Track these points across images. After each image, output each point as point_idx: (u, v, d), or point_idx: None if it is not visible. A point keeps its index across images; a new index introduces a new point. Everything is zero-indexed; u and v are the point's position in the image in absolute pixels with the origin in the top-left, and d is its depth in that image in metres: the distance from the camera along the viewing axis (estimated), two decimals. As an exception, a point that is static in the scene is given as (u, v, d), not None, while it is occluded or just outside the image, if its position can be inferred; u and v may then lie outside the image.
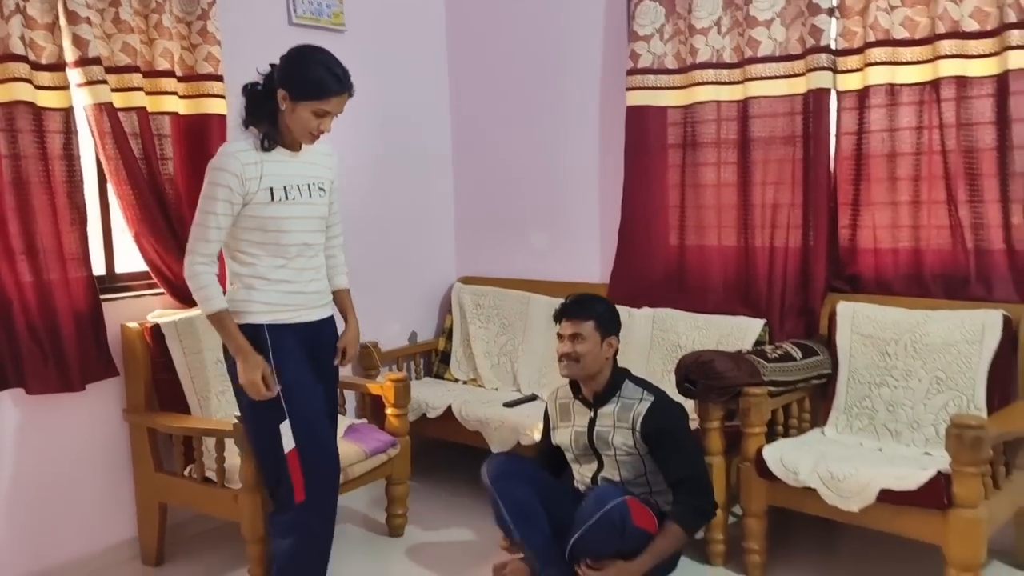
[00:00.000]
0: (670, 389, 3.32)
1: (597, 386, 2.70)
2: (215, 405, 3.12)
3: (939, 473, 2.39)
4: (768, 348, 3.05)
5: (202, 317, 3.11)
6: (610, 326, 2.68)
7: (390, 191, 4.13)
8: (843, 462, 2.60)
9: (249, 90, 2.39)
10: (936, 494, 2.37)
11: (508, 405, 3.54)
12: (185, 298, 3.22)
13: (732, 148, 3.45)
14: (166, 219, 3.11)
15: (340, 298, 2.78)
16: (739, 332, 3.34)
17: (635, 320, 3.64)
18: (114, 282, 3.22)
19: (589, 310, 2.66)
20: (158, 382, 3.06)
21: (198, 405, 3.08)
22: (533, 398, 3.65)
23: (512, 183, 4.23)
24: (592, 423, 2.69)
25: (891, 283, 3.10)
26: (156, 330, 3.05)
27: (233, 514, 2.75)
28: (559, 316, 2.71)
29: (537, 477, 2.74)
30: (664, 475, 2.62)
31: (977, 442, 2.28)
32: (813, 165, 3.23)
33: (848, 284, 3.22)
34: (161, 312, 3.17)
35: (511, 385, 3.91)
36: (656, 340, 3.56)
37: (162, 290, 3.22)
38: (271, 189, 2.37)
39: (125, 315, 3.11)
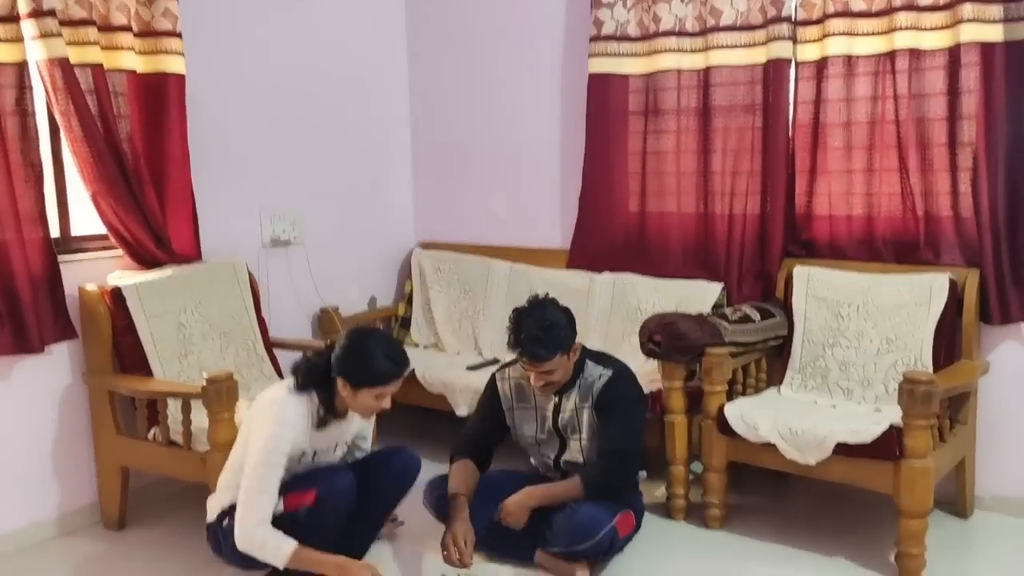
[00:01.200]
0: (630, 352, 3.42)
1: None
2: (177, 368, 3.08)
3: (891, 427, 2.52)
4: (728, 311, 3.14)
5: (164, 279, 3.12)
6: (571, 338, 2.57)
7: (348, 156, 4.09)
8: (800, 418, 2.71)
9: (308, 367, 2.40)
10: (889, 446, 2.50)
11: (472, 368, 3.58)
12: (145, 260, 3.16)
13: (693, 116, 3.52)
14: (124, 178, 3.03)
15: None
16: (698, 295, 3.43)
17: (596, 285, 3.70)
18: (70, 244, 3.14)
19: (551, 347, 2.51)
20: (119, 345, 3.00)
21: (161, 369, 3.04)
22: (495, 362, 3.69)
23: (472, 149, 4.23)
24: (557, 409, 2.70)
25: (845, 248, 3.23)
26: (116, 293, 2.99)
27: (200, 476, 2.73)
28: (521, 358, 2.58)
29: (480, 487, 2.70)
30: (598, 442, 2.62)
31: (928, 396, 2.41)
32: (772, 133, 3.32)
33: (803, 249, 3.33)
34: (121, 274, 3.10)
35: (473, 349, 3.94)
36: (617, 304, 3.63)
37: (121, 252, 3.14)
38: (302, 453, 2.41)
39: (83, 277, 3.04)
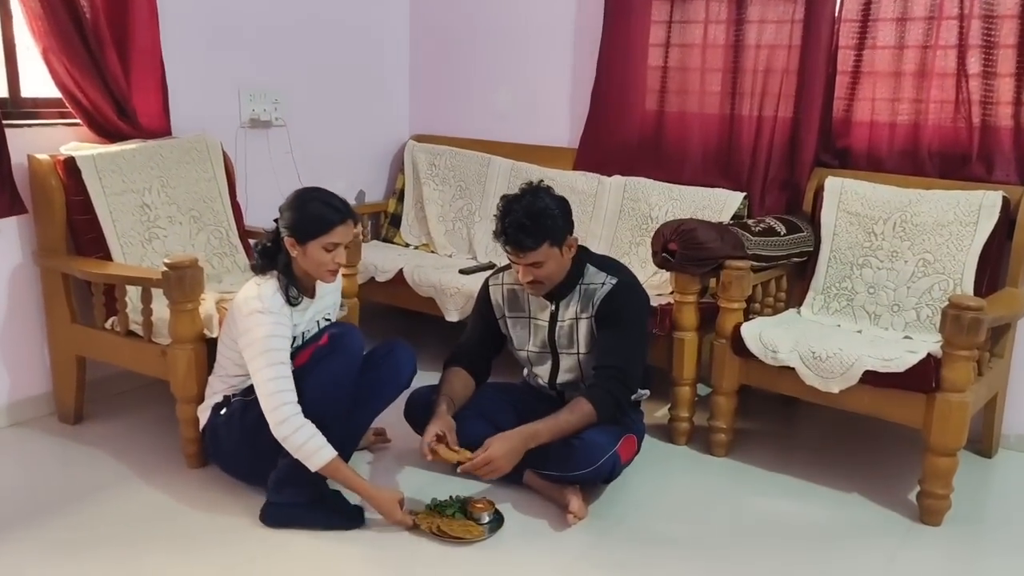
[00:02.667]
0: (637, 263, 3.15)
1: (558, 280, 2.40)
2: (141, 253, 2.79)
3: (929, 356, 2.27)
4: (751, 222, 2.86)
5: (126, 152, 2.79)
6: (565, 229, 2.30)
7: (340, 34, 3.70)
8: (825, 342, 2.46)
9: (260, 248, 2.34)
10: (924, 377, 2.26)
11: (465, 272, 3.30)
12: (105, 131, 2.83)
13: (725, 4, 3.15)
14: (80, 34, 2.66)
15: None
16: (716, 205, 3.13)
17: (604, 188, 3.40)
18: (19, 107, 2.79)
19: (538, 235, 2.23)
20: (74, 224, 2.69)
21: (121, 253, 2.74)
22: (491, 266, 3.40)
23: (476, 33, 3.84)
24: (554, 319, 2.44)
25: (884, 159, 2.93)
26: (71, 164, 2.66)
27: (160, 371, 2.48)
28: (505, 247, 2.29)
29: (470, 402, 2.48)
30: (597, 354, 2.38)
31: (975, 325, 2.15)
32: (814, 27, 2.97)
33: (837, 159, 3.03)
34: (76, 145, 2.77)
35: (466, 252, 3.66)
36: (626, 210, 3.33)
37: (78, 120, 2.80)
38: (293, 339, 2.29)
39: (33, 146, 2.70)
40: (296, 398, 2.15)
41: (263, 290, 2.22)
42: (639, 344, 2.42)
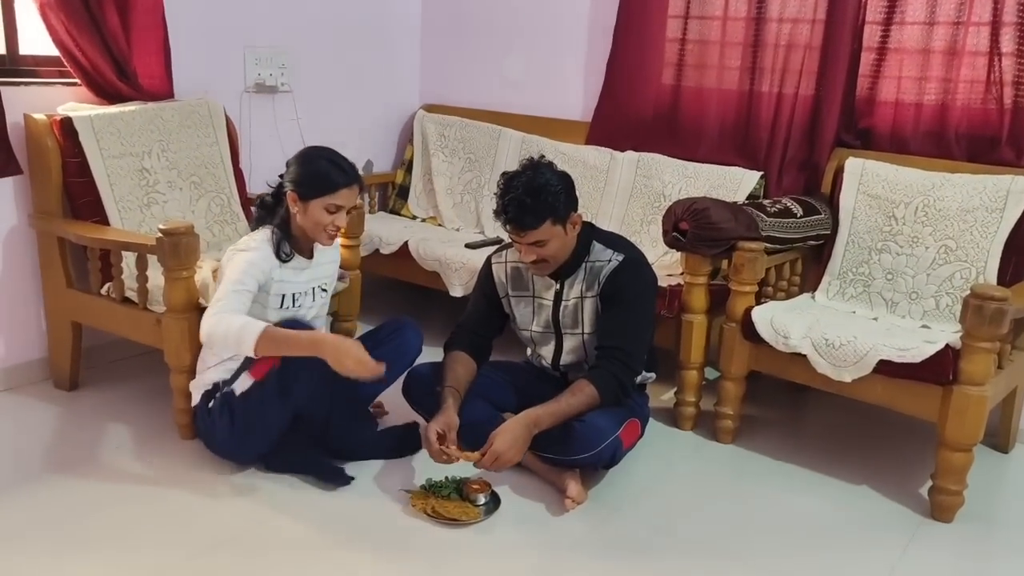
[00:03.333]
0: (648, 242, 3.06)
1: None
2: (139, 219, 2.73)
3: (948, 347, 2.18)
4: (767, 202, 2.75)
5: (125, 114, 2.73)
6: (568, 205, 2.20)
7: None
8: (839, 329, 2.37)
9: (260, 200, 2.33)
10: (941, 368, 2.17)
11: (471, 246, 3.23)
12: (104, 91, 2.76)
13: (748, -24, 3.03)
14: (79, -11, 2.59)
15: None
16: (732, 184, 3.03)
17: (617, 164, 3.31)
18: (17, 64, 2.72)
19: (540, 213, 2.14)
20: (71, 187, 2.63)
21: (119, 218, 2.68)
22: (498, 241, 3.32)
23: (489, 0, 3.72)
24: (559, 297, 2.35)
25: (908, 141, 2.81)
26: (68, 125, 2.60)
27: (155, 340, 2.43)
28: (506, 226, 2.21)
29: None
30: (599, 334, 2.29)
31: (998, 315, 2.06)
32: (840, 2, 2.84)
33: (859, 139, 2.92)
34: (75, 105, 2.70)
35: (474, 226, 3.58)
36: (639, 187, 3.24)
37: (76, 80, 2.73)
38: (282, 296, 2.28)
39: (30, 105, 2.64)
40: (226, 307, 2.07)
41: (252, 236, 2.22)
42: (645, 324, 2.34)
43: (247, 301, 2.14)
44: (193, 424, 2.41)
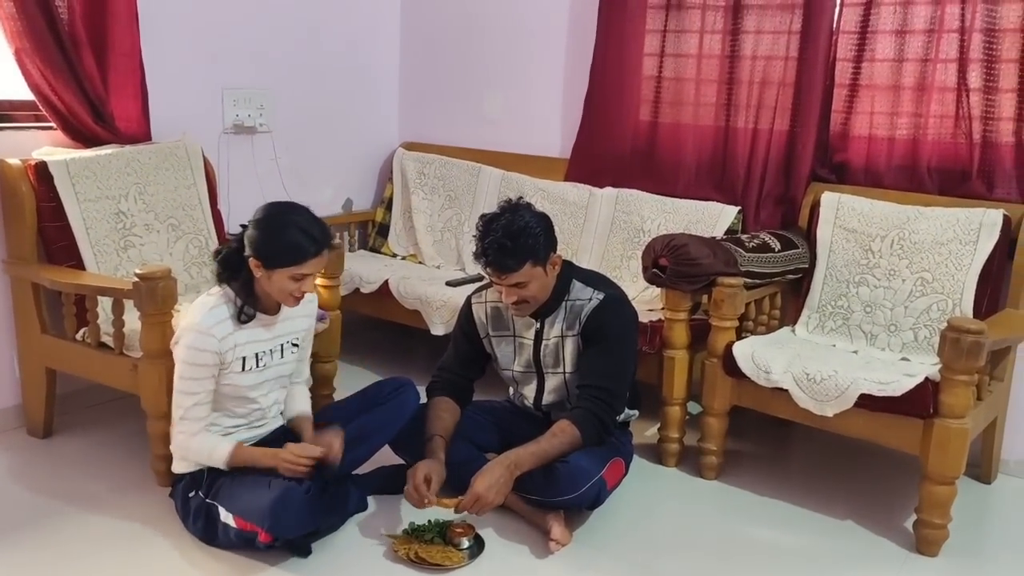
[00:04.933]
0: (628, 278, 3.07)
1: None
2: (115, 262, 2.70)
3: (927, 380, 2.19)
4: (744, 237, 2.78)
5: (101, 158, 2.71)
6: (548, 246, 2.21)
7: (327, 38, 3.62)
8: (819, 363, 2.38)
9: (222, 256, 2.13)
10: (921, 402, 2.18)
11: (452, 284, 3.22)
12: (80, 135, 2.75)
13: (722, 14, 3.08)
14: (55, 35, 2.58)
15: (298, 424, 2.31)
16: (710, 219, 3.05)
17: (596, 200, 3.32)
18: (-8, 108, 2.71)
19: (520, 256, 2.14)
20: (45, 231, 2.60)
21: (94, 260, 2.65)
22: (480, 278, 3.32)
23: (468, 38, 3.77)
24: (539, 337, 2.35)
25: (882, 175, 2.85)
26: (43, 169, 2.58)
27: (131, 385, 2.39)
28: (486, 268, 2.22)
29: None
30: (581, 372, 2.28)
31: (975, 348, 2.07)
32: (812, 39, 2.89)
33: (834, 173, 2.95)
34: (50, 150, 2.69)
35: (455, 264, 3.57)
36: (618, 223, 3.25)
37: (52, 124, 2.72)
38: (243, 359, 2.13)
39: (4, 150, 2.62)
40: (198, 423, 2.08)
41: (203, 303, 2.11)
42: (626, 362, 2.33)
43: (207, 409, 2.10)
44: (170, 471, 2.35)
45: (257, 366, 2.16)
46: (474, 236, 2.24)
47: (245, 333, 2.11)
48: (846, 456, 2.83)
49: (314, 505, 2.05)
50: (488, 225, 2.19)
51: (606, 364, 2.26)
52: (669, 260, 2.53)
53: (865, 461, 2.79)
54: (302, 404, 2.35)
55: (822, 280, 2.80)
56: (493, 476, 2.08)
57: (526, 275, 2.19)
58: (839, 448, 2.86)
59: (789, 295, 2.93)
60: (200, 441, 2.10)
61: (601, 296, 2.29)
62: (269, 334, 2.18)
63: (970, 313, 2.51)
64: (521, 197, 2.31)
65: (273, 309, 2.18)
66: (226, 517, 2.06)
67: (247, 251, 2.06)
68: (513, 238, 2.15)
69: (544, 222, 2.24)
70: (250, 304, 2.12)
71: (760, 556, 2.22)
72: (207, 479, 2.13)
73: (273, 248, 2.04)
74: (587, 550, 2.20)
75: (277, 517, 1.98)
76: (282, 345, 2.22)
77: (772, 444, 2.94)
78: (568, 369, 2.34)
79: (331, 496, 2.11)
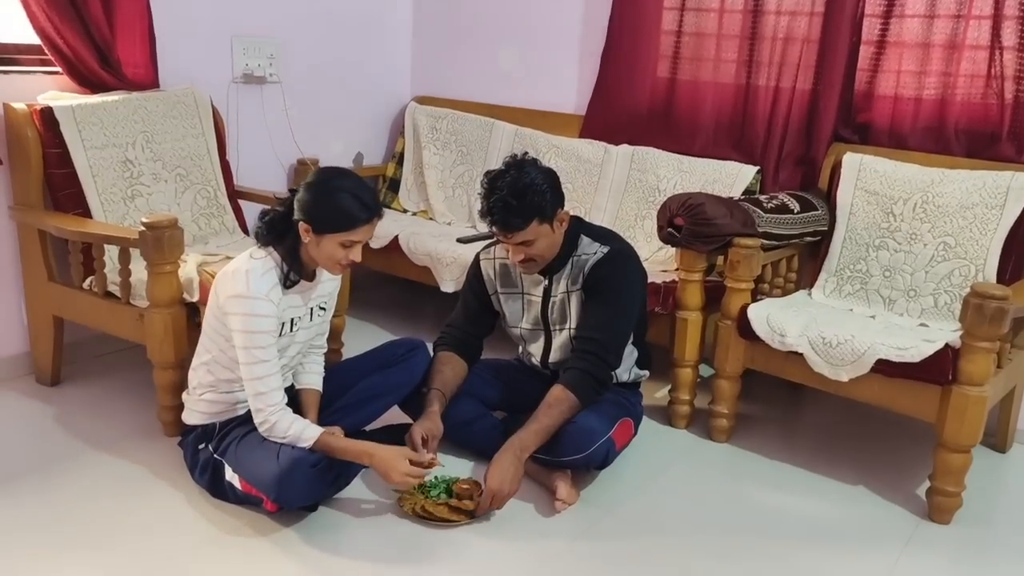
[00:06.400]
0: (643, 237, 3.02)
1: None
2: (122, 211, 2.67)
3: (947, 346, 2.14)
4: (763, 198, 2.71)
5: (108, 104, 2.67)
6: (554, 203, 2.16)
7: (341, -15, 3.54)
8: (836, 327, 2.33)
9: (268, 218, 2.05)
10: (940, 368, 2.13)
11: (463, 241, 3.17)
12: (86, 80, 2.70)
13: (746, -34, 2.97)
14: (60, -23, 2.52)
15: (305, 398, 2.23)
16: (727, 179, 2.98)
17: (611, 158, 3.25)
18: (-3, 51, 2.66)
19: (526, 214, 2.10)
20: (51, 178, 2.56)
21: (102, 210, 2.62)
22: (491, 236, 3.25)
23: (484, -10, 3.67)
24: (547, 294, 2.30)
25: (906, 136, 2.77)
26: (48, 114, 2.53)
27: (138, 335, 2.37)
28: (491, 227, 2.17)
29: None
30: (579, 325, 2.24)
31: (999, 314, 2.02)
32: (839, -8, 2.79)
33: (857, 134, 2.87)
34: (55, 94, 2.64)
35: (466, 220, 3.52)
36: (633, 181, 3.19)
37: (58, 68, 2.66)
38: (281, 325, 2.07)
39: (10, 94, 2.57)
40: (276, 397, 1.99)
41: (252, 269, 1.98)
42: (624, 315, 2.26)
43: (280, 377, 2.03)
44: (177, 421, 2.33)
45: (291, 331, 2.11)
46: (479, 194, 2.19)
47: (287, 299, 2.06)
48: (857, 421, 2.79)
49: (323, 477, 2.02)
50: (493, 183, 2.14)
51: (601, 316, 2.21)
52: (685, 219, 2.47)
53: (877, 427, 2.76)
54: (314, 378, 2.28)
55: (841, 243, 2.74)
56: (503, 467, 2.05)
57: (533, 233, 2.14)
58: (850, 413, 2.82)
59: (806, 258, 2.87)
60: (285, 421, 1.99)
61: (606, 250, 2.25)
62: (303, 300, 2.13)
63: (993, 279, 2.45)
64: (527, 153, 2.25)
65: (311, 275, 2.12)
66: (231, 477, 2.04)
67: (296, 215, 1.99)
68: (519, 196, 2.09)
69: (551, 178, 2.19)
70: (295, 270, 2.05)
71: (769, 520, 2.20)
72: (218, 433, 2.11)
73: (324, 212, 1.97)
74: (593, 510, 2.18)
75: (283, 489, 1.95)
76: (311, 309, 2.17)
77: (782, 407, 2.90)
78: (574, 326, 2.30)
79: (337, 466, 2.07)
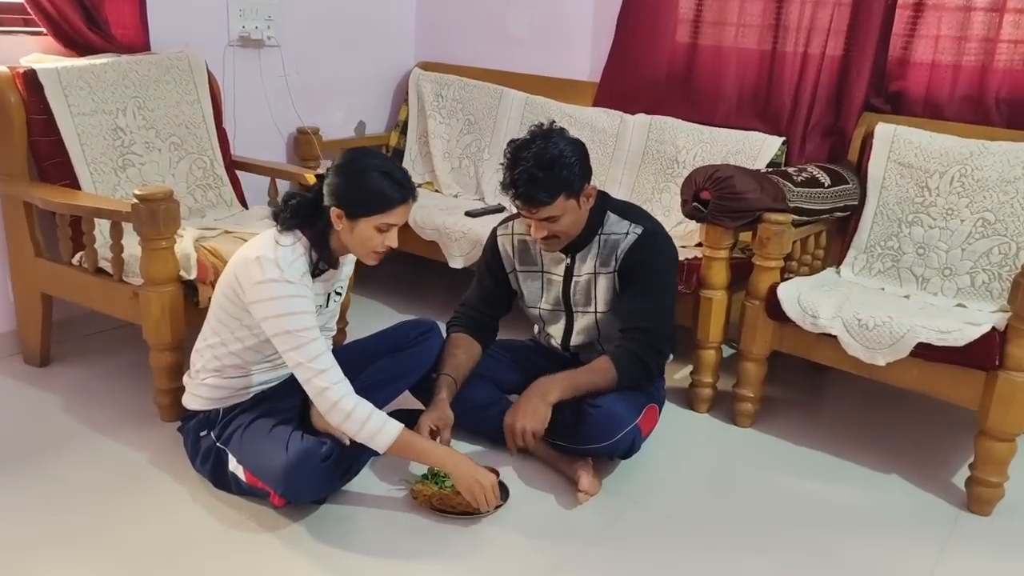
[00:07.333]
0: (660, 210, 2.88)
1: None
2: (113, 182, 2.51)
3: (994, 329, 2.02)
4: (792, 170, 2.57)
5: (96, 67, 2.50)
6: (582, 177, 2.03)
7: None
8: (872, 308, 2.20)
9: (295, 203, 1.91)
10: (986, 353, 2.00)
11: (471, 215, 3.03)
12: (72, 42, 2.54)
13: (772, -77, 2.81)
14: (44, -72, 2.35)
15: None
16: (751, 150, 2.84)
17: (627, 128, 3.10)
18: (-24, 10, 2.49)
19: (553, 188, 1.97)
20: (37, 146, 2.41)
21: (90, 180, 2.47)
22: (500, 209, 3.13)
23: (492, -50, 3.49)
24: (569, 273, 2.17)
25: (943, 105, 2.63)
26: (32, 77, 2.37)
27: (132, 314, 2.24)
28: (515, 201, 2.02)
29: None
30: (622, 315, 2.12)
31: (1053, 297, 1.89)
32: (873, -48, 2.63)
33: (890, 103, 2.73)
34: (40, 57, 2.48)
35: (473, 193, 3.37)
36: (651, 152, 3.04)
37: (42, 29, 2.50)
38: None
39: (-8, 56, 2.41)
40: (338, 373, 1.85)
41: (281, 255, 1.85)
42: (669, 302, 2.16)
43: (328, 351, 1.90)
44: (174, 405, 2.20)
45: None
46: (501, 164, 2.05)
47: (312, 287, 1.94)
48: (888, 405, 2.68)
49: (333, 471, 1.90)
50: (518, 153, 1.99)
51: (650, 303, 2.09)
52: (713, 193, 2.34)
53: (906, 411, 2.64)
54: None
55: (871, 219, 2.61)
56: (520, 404, 1.97)
57: (559, 209, 2.00)
58: (878, 396, 2.71)
59: (834, 234, 2.74)
60: (365, 406, 1.85)
61: (640, 230, 2.11)
62: (324, 288, 2.02)
63: (1036, 257, 2.33)
64: (554, 122, 2.10)
65: (336, 263, 2.01)
66: (235, 468, 1.91)
67: (327, 200, 1.87)
68: (545, 168, 1.95)
69: (579, 150, 2.04)
70: (324, 259, 1.94)
71: (800, 509, 2.09)
72: (222, 420, 1.98)
73: (358, 195, 1.86)
74: (617, 500, 2.07)
75: (292, 483, 1.83)
76: (329, 295, 2.06)
77: (808, 391, 2.79)
78: (600, 308, 2.17)
79: (348, 458, 1.95)
